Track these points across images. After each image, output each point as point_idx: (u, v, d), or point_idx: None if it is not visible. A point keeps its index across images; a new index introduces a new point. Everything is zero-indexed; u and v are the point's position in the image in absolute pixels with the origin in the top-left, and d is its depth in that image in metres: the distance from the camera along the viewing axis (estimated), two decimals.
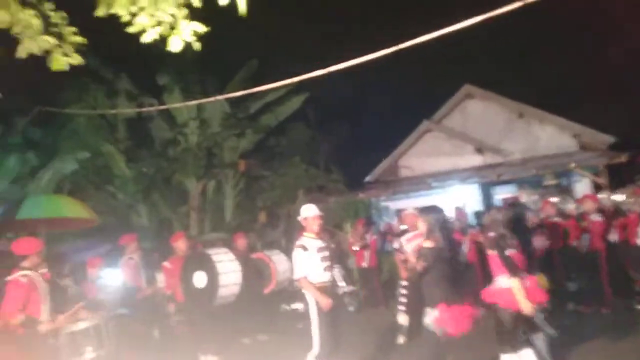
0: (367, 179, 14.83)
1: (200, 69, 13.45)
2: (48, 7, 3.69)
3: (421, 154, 14.21)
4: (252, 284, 6.89)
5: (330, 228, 10.59)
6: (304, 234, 4.76)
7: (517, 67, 20.46)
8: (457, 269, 5.61)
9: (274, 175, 14.19)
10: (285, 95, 14.01)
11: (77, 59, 4.19)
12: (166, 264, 6.46)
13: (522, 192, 12.45)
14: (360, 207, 10.04)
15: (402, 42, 3.77)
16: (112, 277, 7.01)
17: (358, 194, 11.93)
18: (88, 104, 11.94)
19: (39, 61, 4.18)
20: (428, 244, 4.30)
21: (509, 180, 12.52)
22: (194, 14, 3.52)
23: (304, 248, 4.56)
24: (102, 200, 12.23)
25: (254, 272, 7.34)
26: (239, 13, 3.21)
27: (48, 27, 3.79)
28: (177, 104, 11.03)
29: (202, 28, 3.46)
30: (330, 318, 4.46)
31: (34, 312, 4.14)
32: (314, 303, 4.51)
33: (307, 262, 4.52)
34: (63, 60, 4.14)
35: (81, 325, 4.26)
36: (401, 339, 6.12)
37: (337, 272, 8.79)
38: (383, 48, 3.93)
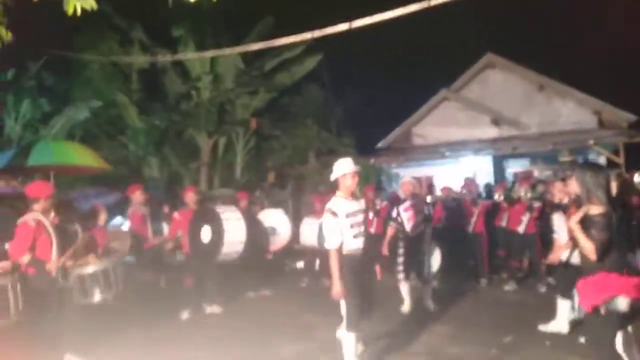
0: (379, 145, 14.69)
1: (215, 24, 13.17)
2: None
3: (436, 122, 13.97)
4: (257, 240, 6.98)
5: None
6: (337, 193, 4.06)
7: (541, 38, 19.75)
8: None
9: (285, 135, 14.12)
10: (301, 54, 13.73)
11: (92, 4, 4.08)
12: (176, 215, 6.54)
13: (535, 167, 12.28)
14: (370, 172, 9.97)
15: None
16: (120, 225, 7.14)
17: (369, 160, 11.85)
18: (102, 52, 11.81)
19: (53, 4, 4.08)
20: (595, 209, 3.12)
21: (523, 154, 12.32)
22: None
23: (333, 213, 3.89)
24: (114, 150, 12.32)
25: (261, 230, 7.42)
26: None
27: None
28: (191, 55, 10.85)
29: None
30: (359, 288, 3.98)
31: (43, 255, 4.23)
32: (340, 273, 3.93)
33: (335, 230, 3.87)
34: (78, 4, 4.03)
35: (90, 269, 4.36)
36: (406, 306, 6.20)
37: None
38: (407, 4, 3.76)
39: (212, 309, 6.37)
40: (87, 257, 4.57)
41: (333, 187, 9.88)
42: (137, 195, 6.69)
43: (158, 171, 13.52)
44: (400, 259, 6.17)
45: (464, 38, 18.78)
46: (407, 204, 6.11)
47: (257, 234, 7.00)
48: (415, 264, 6.18)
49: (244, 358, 4.58)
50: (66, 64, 11.35)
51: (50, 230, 4.23)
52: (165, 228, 7.34)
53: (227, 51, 6.25)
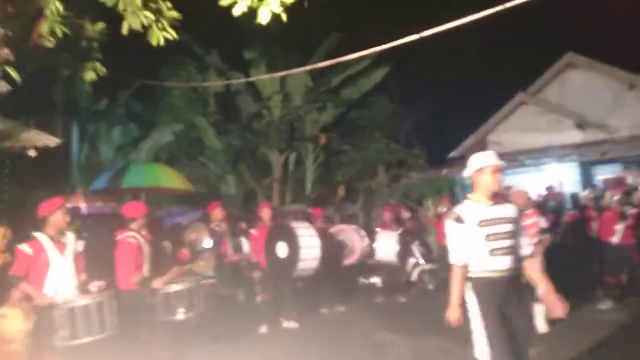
0: (452, 154, 14.21)
1: (284, 44, 13.62)
2: None
3: (513, 128, 13.25)
4: (330, 256, 7.01)
5: (410, 204, 10.36)
6: (468, 196, 3.23)
7: (628, 33, 18.08)
8: None
9: (353, 149, 14.12)
10: (368, 67, 13.75)
11: (172, 34, 4.40)
12: (253, 231, 6.76)
13: (628, 173, 11.18)
14: (443, 183, 9.64)
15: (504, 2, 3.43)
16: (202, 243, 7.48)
17: (442, 170, 11.48)
18: (182, 78, 12.67)
19: (138, 38, 4.46)
20: None
21: (614, 159, 11.28)
22: None
23: (458, 219, 3.08)
24: (195, 170, 13.06)
25: (333, 245, 7.45)
26: None
27: (147, 3, 3.98)
28: (262, 76, 11.28)
29: None
30: (500, 315, 3.09)
31: (138, 272, 4.56)
32: (473, 296, 3.17)
33: (457, 241, 3.10)
34: (160, 35, 4.37)
35: (175, 287, 4.60)
36: None
37: (416, 249, 8.64)
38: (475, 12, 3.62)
39: (289, 324, 6.46)
40: (174, 275, 4.85)
41: (403, 201, 9.69)
42: (217, 213, 6.99)
43: (234, 188, 14.12)
44: None
45: (540, 39, 17.72)
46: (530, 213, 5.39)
47: (330, 249, 7.03)
48: None
49: None
50: (151, 91, 12.33)
51: (145, 248, 4.56)
52: (244, 244, 7.60)
53: (296, 70, 6.45)
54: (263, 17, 3.50)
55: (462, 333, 5.68)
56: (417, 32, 4.60)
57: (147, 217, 4.89)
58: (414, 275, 8.44)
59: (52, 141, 5.59)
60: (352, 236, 7.74)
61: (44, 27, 3.80)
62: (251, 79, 10.92)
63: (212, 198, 9.84)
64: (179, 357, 4.93)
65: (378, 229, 8.27)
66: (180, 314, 4.51)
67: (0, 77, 4.16)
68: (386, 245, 7.79)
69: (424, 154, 13.10)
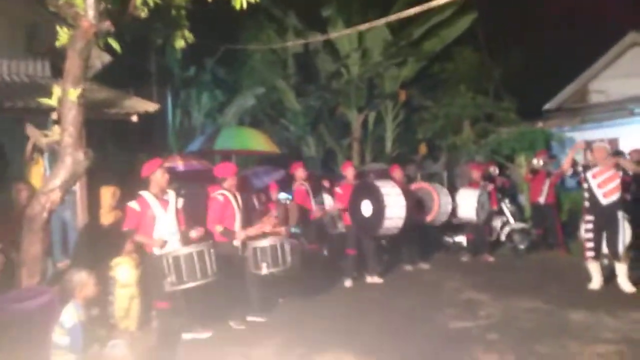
0: (547, 106, 13.04)
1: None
2: None
3: (622, 74, 11.72)
4: (412, 214, 6.92)
5: (500, 160, 9.79)
6: None
7: None
8: None
9: (436, 105, 13.53)
10: (452, 16, 12.88)
11: None
12: (337, 189, 6.87)
13: None
14: (538, 137, 8.92)
15: None
16: (285, 200, 7.78)
17: (536, 124, 10.61)
18: (262, 42, 12.88)
19: (220, 5, 4.56)
20: None
21: None
22: None
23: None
24: (276, 132, 13.45)
25: (415, 202, 7.33)
26: None
27: None
28: (340, 32, 11.07)
29: None
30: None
31: (229, 225, 4.89)
32: None
33: None
34: None
35: (261, 244, 4.86)
36: (595, 284, 5.53)
37: (506, 208, 8.24)
38: None
39: (373, 279, 6.58)
40: (264, 229, 5.13)
41: (491, 157, 9.18)
42: (300, 172, 7.20)
43: (315, 149, 14.35)
44: (589, 234, 5.47)
45: None
46: (597, 169, 5.40)
47: (412, 207, 6.94)
48: (608, 239, 5.42)
49: (409, 331, 4.61)
50: (234, 57, 12.71)
51: (235, 204, 4.86)
52: (326, 201, 7.79)
53: (371, 24, 6.18)
54: None
55: (554, 294, 5.45)
56: None
57: (236, 177, 5.16)
58: (503, 235, 8.10)
59: (151, 107, 6.06)
60: (432, 194, 7.54)
61: None
62: (328, 36, 10.76)
63: (294, 159, 10.11)
64: (268, 308, 5.29)
65: (464, 187, 7.97)
66: (265, 269, 4.78)
67: (103, 49, 4.51)
68: (468, 203, 7.51)
69: (515, 107, 12.16)
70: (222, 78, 12.96)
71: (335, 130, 14.39)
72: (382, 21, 5.73)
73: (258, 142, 7.47)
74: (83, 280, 3.08)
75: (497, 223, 8.18)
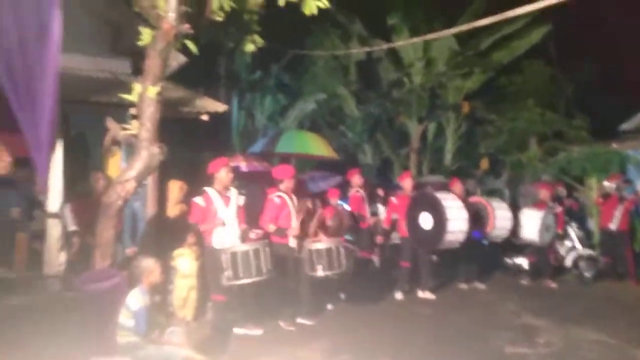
0: (624, 126, 12.16)
1: (427, 8, 13.00)
2: None
3: None
4: (469, 231, 6.69)
5: (569, 181, 9.23)
6: None
7: None
8: None
9: (501, 119, 13.02)
10: (523, 27, 12.38)
11: (324, 3, 4.52)
12: (393, 199, 6.79)
13: None
14: (612, 159, 8.31)
15: None
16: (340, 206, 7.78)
17: (609, 144, 9.93)
18: (326, 48, 13.05)
19: (288, 11, 4.67)
20: None
21: None
22: None
23: None
24: (334, 137, 13.54)
25: (471, 217, 7.08)
26: None
27: None
28: (404, 42, 10.98)
29: None
30: None
31: (284, 225, 4.98)
32: None
33: None
34: (313, 5, 4.52)
35: (318, 246, 4.91)
36: None
37: (573, 232, 7.75)
38: None
39: (425, 294, 6.42)
40: (317, 234, 5.18)
41: (559, 177, 8.65)
42: (356, 179, 7.18)
43: (371, 157, 14.29)
44: None
45: None
46: None
47: (471, 223, 6.71)
48: None
49: (461, 351, 4.46)
50: (298, 62, 12.99)
51: (291, 206, 4.95)
52: (380, 210, 7.71)
53: (441, 33, 6.07)
54: None
55: (622, 328, 5.05)
56: None
57: (294, 179, 5.25)
58: (569, 260, 7.62)
59: (221, 107, 6.33)
60: (487, 208, 7.22)
61: (215, 3, 4.21)
62: (393, 44, 10.71)
63: (350, 165, 10.13)
64: (319, 308, 5.32)
65: (528, 207, 7.58)
66: (321, 271, 4.81)
67: (179, 50, 4.75)
68: (531, 224, 7.13)
69: (588, 125, 11.45)
70: (286, 83, 13.29)
71: (393, 139, 14.25)
72: (451, 31, 5.63)
73: (318, 146, 7.61)
74: (150, 267, 3.25)
75: (562, 248, 7.72)
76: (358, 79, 14.18)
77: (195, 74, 8.51)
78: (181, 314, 4.84)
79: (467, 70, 13.01)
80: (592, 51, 14.95)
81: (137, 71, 6.31)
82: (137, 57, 6.04)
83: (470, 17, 13.12)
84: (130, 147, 4.89)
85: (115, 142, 4.99)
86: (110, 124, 4.07)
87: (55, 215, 3.15)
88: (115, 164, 5.07)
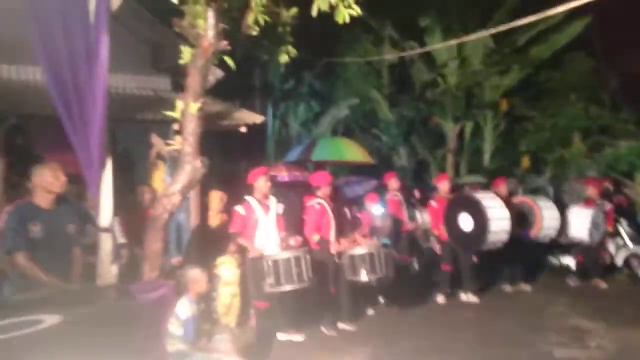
0: None
1: (461, 6, 12.76)
2: None
3: None
4: (515, 230, 6.52)
5: (617, 176, 8.84)
6: None
7: None
8: None
9: (541, 115, 12.62)
10: (563, 20, 11.93)
11: (357, 10, 4.56)
12: (432, 202, 6.71)
13: None
14: None
15: None
16: (379, 211, 7.77)
17: None
18: (359, 53, 13.05)
19: (320, 18, 4.73)
20: None
21: None
22: None
23: None
24: (368, 141, 13.49)
25: (516, 218, 6.90)
26: None
27: None
28: (435, 46, 10.85)
29: None
30: None
31: (325, 235, 5.04)
32: None
33: None
34: (346, 13, 4.56)
35: (359, 251, 4.93)
36: None
37: (623, 230, 7.41)
38: None
39: (468, 297, 6.32)
40: (356, 239, 5.21)
41: (606, 173, 8.32)
42: (393, 183, 7.15)
43: (406, 160, 14.15)
44: None
45: None
46: None
47: (515, 223, 6.54)
48: None
49: (508, 356, 4.36)
50: (330, 69, 13.07)
51: (330, 213, 5.00)
52: (417, 213, 7.63)
53: (477, 35, 5.96)
54: None
55: None
56: None
57: (331, 186, 5.31)
58: (620, 259, 7.29)
59: (258, 119, 6.49)
60: (534, 208, 7.01)
61: (250, 18, 4.33)
62: (427, 48, 10.60)
63: (385, 169, 10.07)
64: (360, 313, 5.33)
65: (576, 205, 7.31)
66: (364, 275, 4.83)
67: (217, 65, 4.91)
68: (580, 222, 6.87)
69: (636, 118, 10.92)
70: (318, 90, 13.38)
71: (429, 140, 14.05)
72: (487, 32, 5.53)
73: (353, 152, 7.64)
74: (196, 276, 3.38)
75: (612, 246, 7.39)
76: (391, 82, 14.09)
77: (231, 87, 8.73)
78: (225, 321, 4.97)
79: (504, 68, 12.67)
80: (637, 39, 14.22)
81: (177, 87, 6.58)
82: (176, 74, 6.30)
83: (506, 13, 12.80)
84: (174, 161, 5.09)
85: (160, 157, 5.22)
86: (155, 139, 4.26)
87: (106, 230, 3.33)
88: (159, 178, 5.29)
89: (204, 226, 5.47)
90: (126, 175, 5.05)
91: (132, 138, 5.22)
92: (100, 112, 3.15)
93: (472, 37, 5.65)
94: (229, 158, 9.73)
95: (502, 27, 5.12)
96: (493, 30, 5.28)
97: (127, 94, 5.77)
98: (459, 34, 12.66)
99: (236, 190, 6.14)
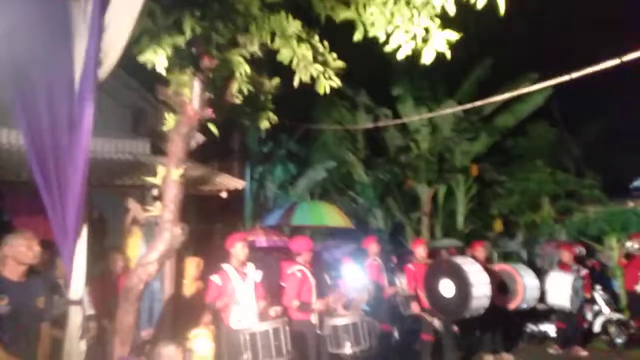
0: (636, 183, 12.17)
1: (431, 76, 13.53)
2: (316, 39, 4.26)
3: None
4: (495, 297, 6.49)
5: (588, 242, 9.08)
6: None
7: None
8: None
9: (511, 180, 13.10)
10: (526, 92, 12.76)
11: (337, 82, 4.75)
12: (410, 266, 6.67)
13: None
14: (631, 218, 8.25)
15: None
16: (358, 276, 7.65)
17: (624, 202, 9.89)
18: (334, 118, 13.46)
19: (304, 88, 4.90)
20: None
21: None
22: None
23: None
24: (345, 204, 13.58)
25: (497, 287, 6.89)
26: (498, 14, 3.06)
27: (315, 56, 4.37)
28: (411, 118, 11.35)
29: (455, 36, 3.43)
30: None
31: (306, 300, 4.87)
32: None
33: None
34: (327, 84, 4.74)
35: (342, 321, 4.76)
36: None
37: (599, 296, 7.50)
38: None
39: None
40: (337, 309, 5.05)
41: (577, 238, 8.51)
42: (373, 247, 7.11)
43: (382, 222, 14.23)
44: None
45: None
46: None
47: (494, 288, 6.52)
48: None
49: None
50: (307, 132, 13.37)
51: (312, 280, 4.87)
52: (396, 279, 7.53)
53: (448, 110, 6.32)
54: (427, 58, 3.54)
55: None
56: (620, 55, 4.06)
57: (311, 252, 5.21)
58: (597, 326, 7.30)
59: (239, 184, 6.44)
60: (515, 276, 7.05)
61: (234, 87, 4.44)
62: (399, 120, 11.15)
63: (361, 232, 10.05)
64: None
65: (555, 270, 7.40)
66: (348, 348, 4.64)
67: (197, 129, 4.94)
68: (561, 288, 6.91)
69: (599, 183, 11.46)
70: (295, 153, 13.59)
71: (404, 203, 14.27)
72: (459, 108, 5.84)
73: (333, 217, 7.64)
74: (172, 355, 3.16)
75: (589, 312, 7.43)
76: (366, 146, 14.48)
77: (210, 150, 8.76)
78: None
79: (473, 135, 13.28)
80: (596, 108, 15.24)
81: (156, 151, 6.55)
82: (155, 138, 6.29)
83: (472, 85, 13.65)
84: (150, 228, 4.95)
85: (136, 222, 5.06)
86: (132, 204, 4.14)
87: (76, 302, 3.12)
88: (134, 244, 5.09)
89: (178, 295, 5.23)
90: (99, 241, 4.84)
91: (107, 203, 5.07)
92: (81, 180, 3.06)
93: (444, 112, 5.94)
94: (204, 220, 9.53)
95: (478, 103, 5.42)
96: (471, 105, 5.57)
97: (105, 158, 5.69)
98: (429, 102, 13.40)
99: (211, 253, 5.96)
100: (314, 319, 4.87)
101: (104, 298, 4.37)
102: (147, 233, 4.82)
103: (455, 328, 6.77)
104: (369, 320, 5.15)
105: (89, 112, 3.16)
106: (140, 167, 5.38)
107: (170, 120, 4.11)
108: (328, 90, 4.88)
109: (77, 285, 3.17)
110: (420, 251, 6.70)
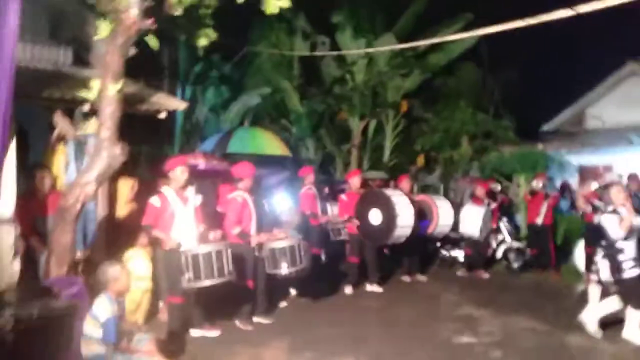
0: (544, 128, 13.37)
1: (371, 6, 13.30)
2: None
3: (619, 102, 12.08)
4: (415, 226, 7.08)
5: (499, 178, 10.02)
6: None
7: None
8: None
9: (436, 118, 13.74)
10: (459, 32, 13.08)
11: (286, 2, 4.54)
12: (343, 197, 6.97)
13: None
14: (539, 159, 9.16)
15: None
16: (289, 203, 7.85)
17: (536, 144, 10.89)
18: (271, 42, 12.90)
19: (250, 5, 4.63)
20: None
21: None
22: None
23: None
24: (277, 132, 13.49)
25: (416, 214, 7.48)
26: None
27: None
28: (349, 52, 11.18)
29: None
30: None
31: (245, 228, 4.96)
32: None
33: None
34: (276, 4, 4.52)
35: (281, 244, 4.95)
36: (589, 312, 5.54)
37: (504, 226, 8.43)
38: None
39: (373, 287, 6.71)
40: (275, 232, 5.22)
41: (491, 175, 9.32)
42: (310, 177, 7.27)
43: (314, 152, 14.44)
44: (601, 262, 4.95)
45: None
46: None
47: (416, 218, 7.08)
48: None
49: (414, 343, 4.72)
50: (242, 55, 12.74)
51: (252, 206, 4.93)
52: (328, 207, 7.86)
53: (386, 47, 6.31)
54: None
55: (551, 315, 5.61)
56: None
57: (253, 178, 5.23)
58: (499, 252, 8.30)
59: (181, 105, 6.05)
60: (431, 206, 7.67)
61: None
62: (339, 52, 10.92)
63: (293, 161, 10.14)
64: (273, 310, 5.39)
65: (469, 203, 8.13)
66: (285, 268, 4.88)
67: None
68: (472, 220, 7.69)
69: (513, 126, 12.45)
70: (228, 75, 12.98)
71: (336, 135, 14.49)
72: (398, 46, 5.86)
73: (272, 145, 7.57)
74: (117, 274, 3.13)
75: (494, 240, 8.38)
76: (302, 74, 14.22)
77: (137, 65, 8.07)
78: (133, 318, 4.67)
79: (406, 71, 13.52)
80: (516, 56, 16.13)
81: (79, 61, 5.90)
82: (79, 48, 5.65)
83: (410, 18, 13.68)
84: (80, 146, 4.61)
85: (62, 139, 4.68)
86: (58, 119, 3.81)
87: (7, 221, 2.92)
88: (59, 162, 4.73)
89: (112, 216, 5.05)
90: (19, 157, 4.41)
91: (28, 117, 4.57)
92: (7, 86, 2.74)
93: (383, 49, 5.94)
94: (130, 141, 9.00)
95: (423, 42, 5.45)
96: (409, 45, 5.60)
97: (22, 66, 5.01)
98: (368, 34, 13.29)
99: (140, 176, 5.72)
100: (253, 242, 4.99)
101: (30, 216, 4.11)
102: (77, 151, 4.49)
103: (386, 251, 7.37)
104: (305, 243, 5.41)
105: (14, 8, 2.77)
106: (64, 79, 4.85)
107: (103, 29, 3.72)
108: (276, 11, 4.67)
109: (8, 204, 2.97)
110: (355, 182, 7.00)
